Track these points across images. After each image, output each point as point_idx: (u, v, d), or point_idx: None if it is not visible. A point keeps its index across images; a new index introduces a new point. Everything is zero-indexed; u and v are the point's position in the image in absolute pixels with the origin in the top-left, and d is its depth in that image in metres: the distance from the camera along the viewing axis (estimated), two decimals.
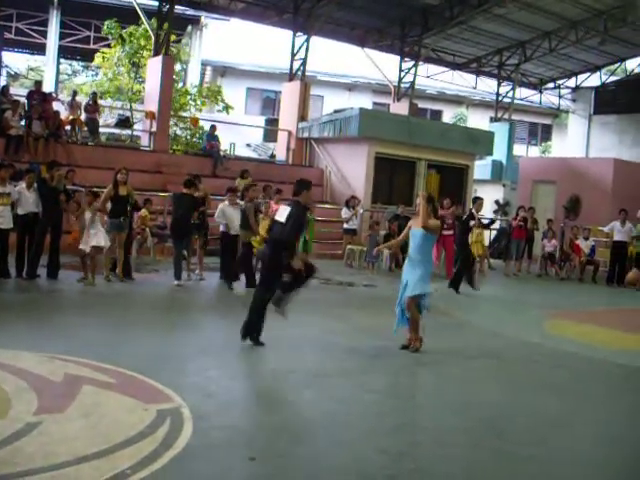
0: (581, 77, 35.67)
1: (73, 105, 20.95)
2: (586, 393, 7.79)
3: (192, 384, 6.76)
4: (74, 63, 37.70)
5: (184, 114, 26.99)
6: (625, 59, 33.88)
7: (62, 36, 31.46)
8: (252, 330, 8.43)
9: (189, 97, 27.90)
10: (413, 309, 8.76)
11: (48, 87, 27.67)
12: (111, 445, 4.96)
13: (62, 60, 35.19)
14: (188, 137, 27.26)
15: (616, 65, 34.72)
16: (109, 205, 12.83)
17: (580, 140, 36.52)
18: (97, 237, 12.32)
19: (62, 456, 4.70)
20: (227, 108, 28.74)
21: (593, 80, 35.71)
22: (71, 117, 20.72)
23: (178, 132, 27.02)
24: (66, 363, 7.02)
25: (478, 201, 15.76)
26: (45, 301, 11.01)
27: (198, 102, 28.10)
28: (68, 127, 20.69)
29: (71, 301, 11.33)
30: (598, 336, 11.51)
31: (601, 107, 35.99)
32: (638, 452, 5.97)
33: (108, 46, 27.45)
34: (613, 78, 35.59)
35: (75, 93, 22.05)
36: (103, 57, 26.94)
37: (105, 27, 26.02)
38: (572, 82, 36.31)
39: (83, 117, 21.13)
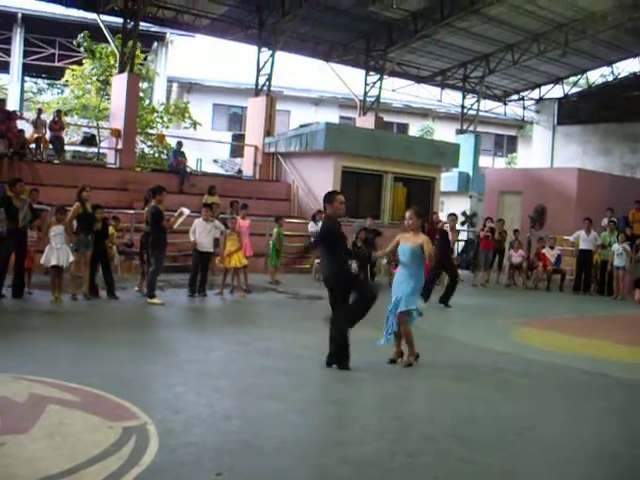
0: (544, 89, 36.14)
1: (37, 123, 20.82)
2: (551, 400, 7.86)
3: (158, 401, 6.73)
4: (39, 81, 37.51)
5: (151, 131, 26.95)
6: (586, 71, 34.42)
7: (26, 54, 31.30)
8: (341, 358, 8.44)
9: (156, 115, 27.89)
10: (406, 324, 8.75)
11: (12, 105, 27.46)
12: (75, 464, 4.91)
13: (27, 78, 34.97)
14: (156, 154, 27.21)
15: (578, 77, 35.23)
16: (75, 223, 12.78)
17: (545, 151, 36.97)
18: (58, 255, 12.24)
19: (25, 477, 4.65)
20: (195, 125, 28.75)
21: (556, 92, 36.20)
22: (36, 135, 20.59)
23: (146, 150, 26.97)
24: (31, 383, 6.94)
25: (451, 217, 16.01)
26: (9, 321, 10.88)
27: (165, 119, 28.10)
28: (33, 145, 20.56)
29: (37, 320, 11.21)
30: (564, 344, 11.63)
31: (564, 118, 36.49)
32: (601, 456, 6.03)
33: (74, 63, 27.38)
34: (575, 89, 36.10)
35: (40, 111, 21.92)
36: (73, 75, 26.82)
37: (77, 40, 25.95)
38: (536, 94, 36.78)
39: (48, 135, 21.00)
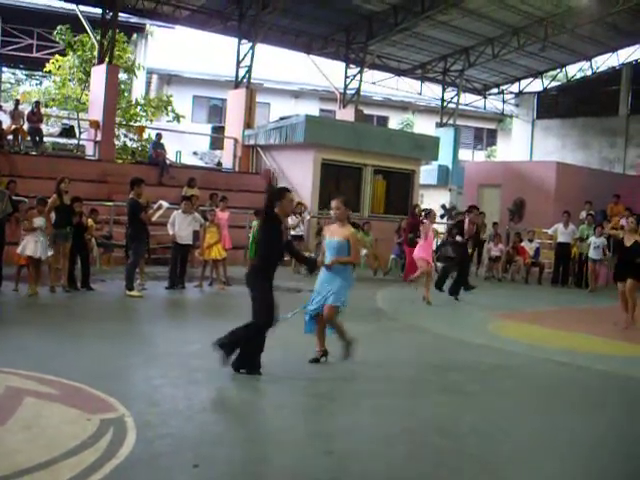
0: (524, 82, 36.37)
1: (15, 114, 20.66)
2: (530, 392, 7.92)
3: (136, 393, 6.73)
4: (17, 72, 37.15)
5: (132, 123, 26.80)
6: (565, 65, 34.66)
7: (3, 44, 31.00)
8: None
9: (139, 108, 27.72)
10: (335, 317, 8.26)
11: None
12: (53, 456, 4.91)
13: (4, 69, 34.63)
14: (140, 147, 27.06)
15: (557, 71, 35.43)
16: (53, 215, 12.70)
17: (524, 144, 37.19)
18: (36, 247, 12.15)
19: (2, 470, 4.64)
20: (178, 118, 28.60)
21: (535, 86, 36.42)
22: (13, 126, 20.44)
23: (128, 142, 26.81)
24: (7, 376, 6.91)
25: (475, 211, 15.92)
26: None
27: (149, 113, 27.93)
28: (10, 137, 20.39)
29: (14, 313, 11.16)
30: (542, 336, 11.70)
31: (544, 112, 36.74)
32: (576, 448, 6.09)
33: (53, 54, 27.14)
34: (555, 83, 36.30)
35: (18, 102, 21.73)
36: (55, 65, 26.59)
37: (56, 33, 25.73)
38: (515, 87, 37.00)
39: (26, 126, 20.83)
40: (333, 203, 8.48)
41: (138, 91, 31.62)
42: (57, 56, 27.03)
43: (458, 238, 15.45)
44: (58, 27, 25.75)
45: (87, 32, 24.36)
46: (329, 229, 8.56)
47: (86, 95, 26.22)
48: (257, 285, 7.86)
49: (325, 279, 8.32)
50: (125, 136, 26.49)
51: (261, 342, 7.80)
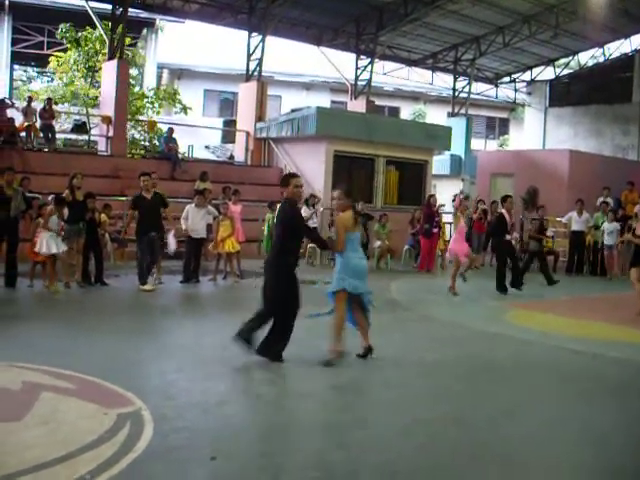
0: (536, 71, 36.09)
1: (28, 111, 20.71)
2: (546, 380, 7.89)
3: (152, 387, 6.74)
4: (29, 69, 37.28)
5: (141, 118, 26.84)
6: (578, 52, 34.36)
7: (15, 42, 31.09)
8: None
9: (146, 100, 27.77)
10: (338, 306, 8.14)
11: (2, 93, 27.31)
12: (70, 451, 4.93)
13: (16, 66, 34.76)
14: (147, 141, 27.12)
15: (569, 58, 35.16)
16: (66, 211, 12.73)
17: (537, 133, 36.95)
18: (54, 243, 12.20)
19: (20, 465, 4.65)
20: (185, 109, 28.65)
21: (547, 73, 36.16)
22: (26, 124, 20.49)
23: (136, 136, 26.88)
24: (24, 371, 6.95)
25: (509, 198, 15.57)
26: (3, 309, 10.87)
27: (155, 105, 27.99)
28: (23, 134, 20.46)
29: (30, 309, 11.22)
30: (558, 325, 11.67)
31: (556, 100, 36.49)
32: (595, 436, 6.06)
33: (63, 51, 27.21)
34: (567, 71, 36.03)
35: (30, 99, 21.76)
36: (57, 62, 26.69)
37: (60, 31, 25.78)
38: (527, 76, 36.72)
39: (38, 123, 20.90)
40: (334, 193, 8.45)
41: (147, 86, 31.62)
42: (58, 53, 27.11)
43: (508, 237, 15.38)
44: (61, 25, 25.75)
45: (94, 28, 24.40)
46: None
47: (93, 90, 26.29)
48: (272, 272, 8.00)
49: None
50: (134, 128, 26.51)
51: (288, 332, 7.93)
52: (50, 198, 13.19)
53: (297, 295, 7.99)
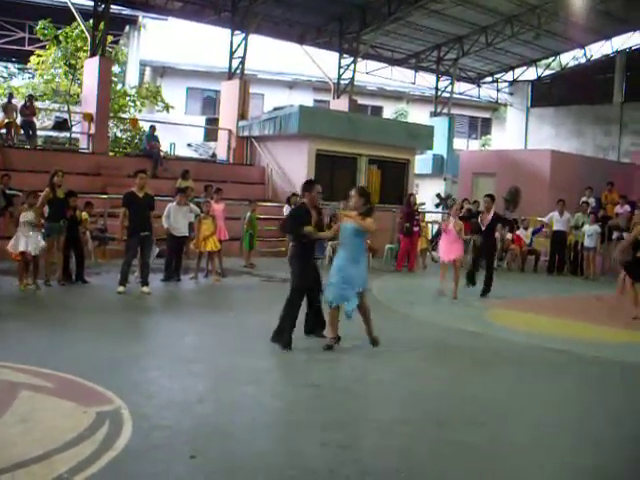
0: (518, 71, 36.32)
1: (8, 108, 20.58)
2: (527, 379, 7.94)
3: (132, 385, 6.72)
4: (10, 65, 36.98)
5: (124, 115, 26.74)
6: (559, 53, 34.63)
7: None
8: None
9: (128, 98, 27.67)
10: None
11: None
12: (49, 449, 4.91)
13: None
14: (128, 139, 27.02)
15: (551, 59, 35.39)
16: (46, 209, 12.64)
17: (518, 133, 37.17)
18: (27, 242, 12.03)
19: None
20: (167, 107, 28.57)
21: (529, 74, 36.40)
22: (6, 120, 20.36)
23: (118, 134, 26.77)
24: (3, 370, 6.91)
25: (486, 198, 15.39)
26: None
27: (138, 103, 27.89)
28: (3, 130, 20.32)
29: (9, 307, 11.13)
30: (539, 324, 11.75)
31: (538, 100, 36.74)
32: (579, 434, 6.10)
33: (44, 47, 27.03)
34: (549, 72, 36.26)
35: (11, 96, 21.64)
36: (38, 58, 26.53)
37: (38, 28, 25.60)
38: (509, 76, 36.94)
39: (19, 120, 20.76)
40: (351, 192, 9.12)
41: (132, 84, 31.50)
42: (38, 50, 26.94)
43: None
44: (40, 22, 25.57)
45: (75, 24, 24.26)
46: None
47: (74, 87, 26.13)
48: (294, 264, 9.01)
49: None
50: (116, 127, 26.40)
51: (294, 319, 8.68)
52: (22, 195, 12.99)
53: (308, 276, 8.92)
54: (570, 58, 35.28)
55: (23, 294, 11.91)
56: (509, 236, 20.31)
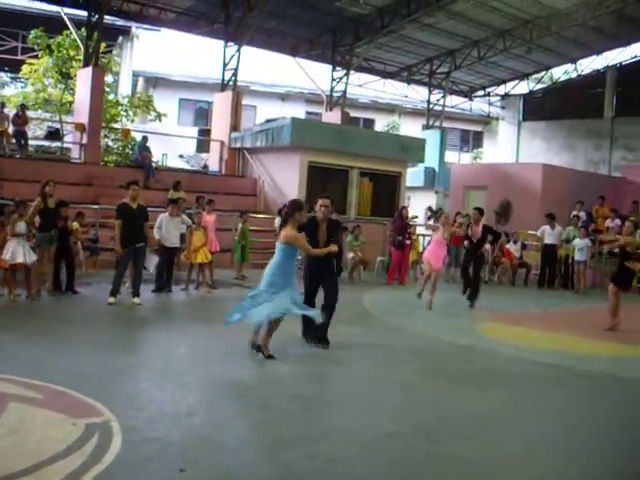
0: (510, 85, 36.47)
1: (0, 117, 20.53)
2: (517, 392, 7.94)
3: (123, 397, 6.69)
4: (2, 74, 36.93)
5: (115, 125, 26.72)
6: (551, 67, 34.82)
7: None
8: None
9: (120, 108, 27.66)
10: None
11: None
12: (38, 462, 4.88)
13: None
14: (120, 149, 27.00)
15: (543, 73, 35.59)
16: (37, 219, 12.59)
17: (510, 146, 37.31)
18: (23, 252, 11.97)
19: None
20: (159, 116, 28.57)
21: (521, 88, 36.56)
22: None
23: (110, 144, 26.75)
24: None
25: (474, 211, 15.44)
26: None
27: (130, 113, 27.89)
28: None
29: None
30: (529, 338, 11.76)
31: (530, 114, 36.90)
32: (564, 448, 6.10)
33: (37, 57, 27.03)
34: (540, 86, 36.46)
35: (2, 105, 21.60)
36: (30, 67, 26.51)
37: (31, 37, 25.59)
38: (501, 90, 37.10)
39: (11, 129, 20.72)
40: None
41: (120, 93, 31.49)
42: (29, 60, 26.93)
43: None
44: (32, 31, 25.56)
45: (67, 34, 24.26)
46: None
47: (67, 96, 26.11)
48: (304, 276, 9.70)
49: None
50: (106, 137, 26.38)
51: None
52: (12, 204, 12.90)
53: (312, 280, 9.55)
54: (561, 72, 35.50)
55: (12, 305, 11.85)
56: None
